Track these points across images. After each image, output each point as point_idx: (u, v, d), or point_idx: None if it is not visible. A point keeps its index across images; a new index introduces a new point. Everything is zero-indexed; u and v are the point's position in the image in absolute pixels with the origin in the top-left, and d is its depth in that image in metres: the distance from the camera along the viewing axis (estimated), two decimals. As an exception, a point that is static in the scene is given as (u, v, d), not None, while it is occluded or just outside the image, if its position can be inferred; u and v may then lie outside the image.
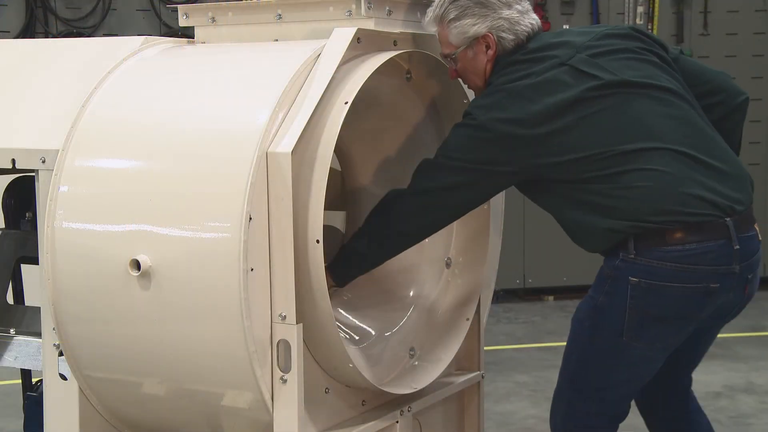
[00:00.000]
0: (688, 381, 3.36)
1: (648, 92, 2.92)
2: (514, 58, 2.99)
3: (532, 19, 3.04)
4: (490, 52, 3.01)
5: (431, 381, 3.22)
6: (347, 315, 3.29)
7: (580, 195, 2.90)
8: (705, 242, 2.82)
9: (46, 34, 7.72)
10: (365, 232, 3.10)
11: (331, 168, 2.76)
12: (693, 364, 3.29)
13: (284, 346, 2.74)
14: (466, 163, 2.90)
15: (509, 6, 3.01)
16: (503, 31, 2.99)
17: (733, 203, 2.86)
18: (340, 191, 3.48)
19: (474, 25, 3.00)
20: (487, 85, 3.04)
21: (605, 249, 2.94)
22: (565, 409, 3.09)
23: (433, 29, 3.09)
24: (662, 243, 2.80)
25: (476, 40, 3.01)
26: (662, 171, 2.83)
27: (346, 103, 2.79)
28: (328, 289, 2.80)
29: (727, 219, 2.83)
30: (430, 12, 3.06)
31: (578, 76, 2.88)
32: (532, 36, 3.02)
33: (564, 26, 7.72)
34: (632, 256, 2.83)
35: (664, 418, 3.36)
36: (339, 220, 3.51)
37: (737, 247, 2.84)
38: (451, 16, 3.01)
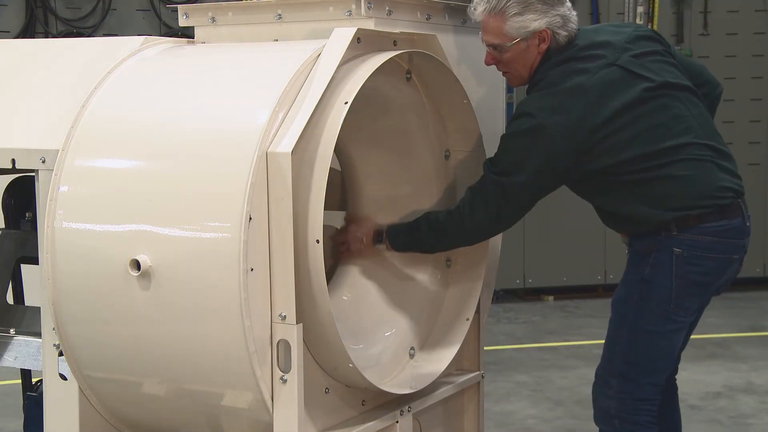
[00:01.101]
0: (677, 362, 3.55)
1: (681, 93, 3.19)
2: (565, 55, 3.14)
3: (575, 17, 3.21)
4: (543, 46, 3.15)
5: (431, 381, 3.22)
6: (347, 315, 3.29)
7: (629, 187, 3.13)
8: (731, 220, 3.18)
9: (46, 34, 7.72)
10: (433, 226, 3.19)
11: (330, 168, 2.77)
12: (684, 343, 3.46)
13: (284, 346, 2.74)
14: (535, 165, 3.05)
15: (563, 3, 3.16)
16: (558, 27, 3.14)
17: (740, 186, 3.24)
18: (340, 191, 3.48)
19: (536, 20, 3.11)
20: (533, 77, 3.17)
21: (644, 231, 3.15)
22: (619, 386, 3.23)
23: (480, 18, 3.16)
24: (700, 222, 3.13)
25: (533, 33, 3.11)
26: (698, 162, 3.13)
27: (346, 103, 2.79)
28: (384, 250, 3.07)
29: (740, 200, 3.22)
30: (483, 2, 3.13)
31: (630, 76, 3.11)
32: (576, 32, 3.19)
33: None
34: (675, 233, 3.12)
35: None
36: (339, 220, 3.51)
37: (748, 224, 3.24)
38: (515, 10, 3.10)
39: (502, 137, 3.15)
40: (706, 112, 3.26)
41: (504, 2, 3.10)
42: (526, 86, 3.26)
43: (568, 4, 3.19)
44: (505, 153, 3.10)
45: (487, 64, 3.25)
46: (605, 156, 3.08)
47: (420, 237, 3.22)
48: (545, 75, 3.13)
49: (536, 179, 3.08)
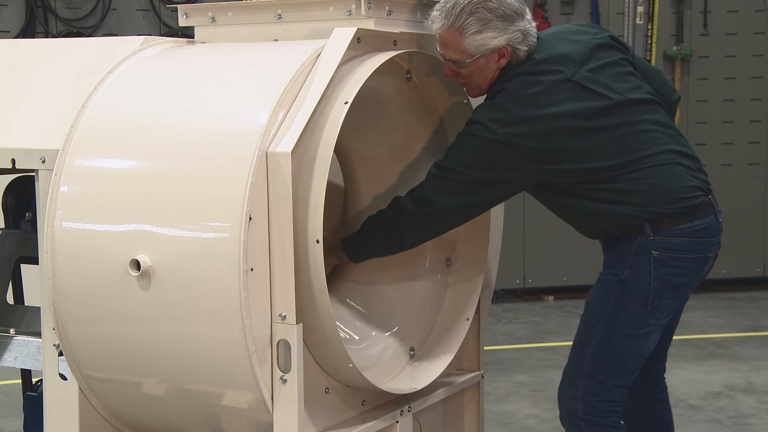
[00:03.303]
0: (665, 361, 3.57)
1: (644, 106, 3.17)
2: (522, 69, 3.09)
3: (535, 28, 3.14)
4: (503, 61, 3.10)
5: (431, 381, 3.22)
6: (347, 315, 3.29)
7: (593, 192, 3.12)
8: (704, 219, 3.16)
9: (46, 34, 7.71)
10: (371, 235, 3.21)
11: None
12: (668, 343, 3.51)
13: (284, 346, 2.74)
14: (481, 175, 3.03)
15: (522, 17, 3.09)
16: (518, 43, 3.08)
17: (708, 183, 3.22)
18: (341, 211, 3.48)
19: (495, 38, 3.06)
20: (491, 89, 3.12)
21: (617, 233, 3.17)
22: (586, 386, 3.22)
23: (438, 32, 3.10)
24: (674, 224, 3.12)
25: (492, 50, 3.07)
26: (663, 166, 3.12)
27: (346, 103, 2.79)
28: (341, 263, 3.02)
29: (710, 197, 3.20)
30: (441, 18, 3.06)
31: (586, 93, 3.06)
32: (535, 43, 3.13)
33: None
34: (651, 236, 3.11)
35: (639, 398, 3.49)
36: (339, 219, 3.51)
37: (720, 220, 3.22)
38: (474, 28, 3.04)
39: (454, 142, 3.10)
40: (668, 118, 3.23)
41: (462, 20, 3.03)
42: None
43: (528, 16, 3.12)
44: (453, 158, 3.05)
45: (446, 75, 3.19)
46: (564, 167, 3.04)
47: (368, 250, 3.23)
48: (502, 88, 3.07)
49: (483, 188, 3.05)
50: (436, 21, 3.08)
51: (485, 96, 3.17)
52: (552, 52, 3.11)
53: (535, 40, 3.12)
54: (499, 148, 2.98)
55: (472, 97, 3.26)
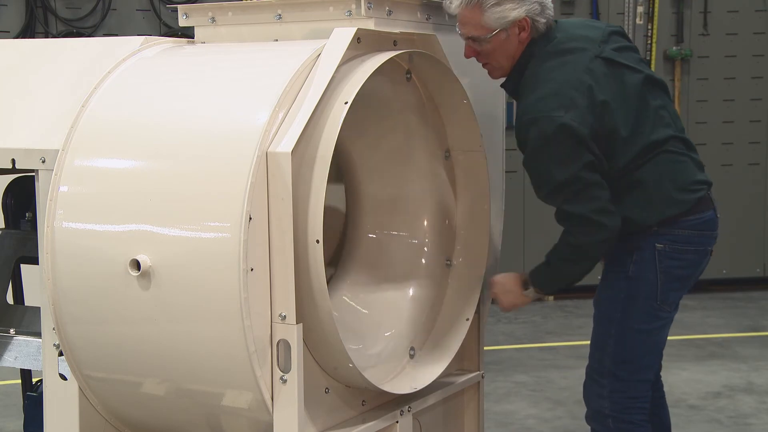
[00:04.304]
0: (660, 359, 3.58)
1: (657, 86, 3.24)
2: (549, 49, 3.14)
3: (551, 1, 3.21)
4: (523, 34, 3.14)
5: (431, 381, 3.22)
6: (347, 315, 3.29)
7: (617, 191, 3.12)
8: (705, 212, 3.22)
9: (46, 34, 7.71)
10: (560, 272, 3.26)
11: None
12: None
13: (284, 346, 2.74)
14: (578, 164, 3.03)
15: None
16: (537, 15, 3.14)
17: (709, 177, 3.28)
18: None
19: (514, 9, 3.10)
20: (519, 74, 3.16)
21: (625, 232, 3.17)
22: (610, 384, 3.24)
23: (457, 11, 3.13)
24: (679, 216, 3.16)
25: (512, 23, 3.10)
26: (677, 155, 3.18)
27: (346, 103, 2.79)
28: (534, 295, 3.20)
29: (709, 191, 3.26)
30: None
31: (615, 67, 3.13)
32: (553, 22, 3.21)
33: (564, 26, 7.72)
34: (655, 228, 3.15)
35: None
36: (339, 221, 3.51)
37: (718, 215, 3.29)
38: (493, 1, 3.08)
39: (529, 157, 3.11)
40: (673, 107, 3.31)
41: None
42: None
43: None
44: (542, 168, 3.08)
45: (467, 56, 3.22)
46: (607, 148, 3.09)
47: (553, 270, 3.25)
48: (535, 72, 3.11)
49: (586, 172, 3.05)
50: (454, 1, 3.12)
51: (506, 82, 3.24)
52: (573, 33, 3.19)
53: (552, 14, 3.18)
54: (571, 132, 2.99)
55: (494, 78, 3.29)
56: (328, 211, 2.90)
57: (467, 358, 3.53)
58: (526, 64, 3.15)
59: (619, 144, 3.08)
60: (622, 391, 3.23)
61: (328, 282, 2.81)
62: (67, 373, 3.03)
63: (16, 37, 7.53)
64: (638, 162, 3.12)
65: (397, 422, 3.12)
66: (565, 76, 3.06)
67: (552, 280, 3.29)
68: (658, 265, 3.16)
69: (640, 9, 7.86)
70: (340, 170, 3.44)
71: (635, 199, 3.14)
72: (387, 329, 3.32)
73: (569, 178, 3.03)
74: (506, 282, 3.38)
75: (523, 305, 3.43)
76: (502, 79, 3.31)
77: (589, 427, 3.36)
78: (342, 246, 3.48)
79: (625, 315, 3.20)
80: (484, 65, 3.24)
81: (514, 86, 3.23)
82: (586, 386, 3.32)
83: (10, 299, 3.41)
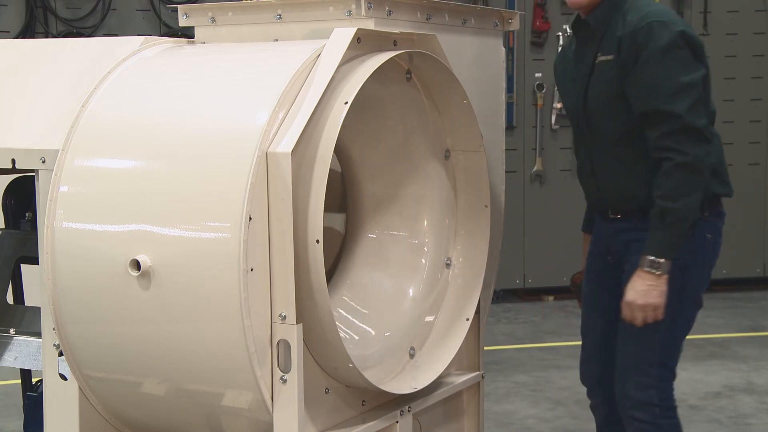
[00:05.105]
0: None
1: None
2: None
3: None
4: None
5: (431, 381, 3.22)
6: (347, 315, 3.29)
7: None
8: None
9: (46, 34, 7.72)
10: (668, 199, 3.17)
11: (331, 169, 2.77)
12: None
13: (284, 346, 2.74)
14: (696, 71, 3.21)
15: None
16: None
17: None
18: (340, 192, 3.48)
19: None
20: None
21: None
22: (659, 374, 3.31)
23: None
24: (718, 205, 3.29)
25: None
26: (718, 139, 3.29)
27: (346, 103, 2.79)
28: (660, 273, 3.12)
29: None
30: None
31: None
32: None
33: (564, 26, 7.73)
34: (706, 214, 3.23)
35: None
36: (339, 221, 3.51)
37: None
38: None
39: (649, 60, 3.17)
40: None
41: None
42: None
43: None
44: (665, 70, 3.16)
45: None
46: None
47: (669, 219, 3.16)
48: (634, 4, 3.24)
49: (701, 85, 3.20)
50: None
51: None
52: None
53: None
54: (692, 40, 3.20)
55: (579, 5, 3.36)
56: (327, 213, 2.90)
57: (467, 358, 3.53)
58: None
59: (704, 96, 3.19)
60: (669, 379, 3.31)
61: (328, 282, 2.81)
62: (67, 373, 3.03)
63: (16, 37, 7.54)
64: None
65: (397, 422, 3.12)
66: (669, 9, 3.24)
67: (675, 232, 3.17)
68: (704, 256, 3.26)
69: (640, 9, 7.86)
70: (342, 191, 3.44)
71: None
72: (387, 329, 3.32)
73: (693, 82, 3.15)
74: (634, 286, 3.21)
75: (664, 293, 3.23)
76: (502, 80, 3.33)
77: (589, 428, 3.37)
78: (342, 246, 3.48)
79: (680, 304, 3.24)
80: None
81: (605, 14, 3.31)
82: (625, 379, 3.33)
83: (10, 299, 3.41)
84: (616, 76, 3.25)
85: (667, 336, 3.27)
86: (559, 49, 7.77)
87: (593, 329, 3.58)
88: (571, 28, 3.51)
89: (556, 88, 7.94)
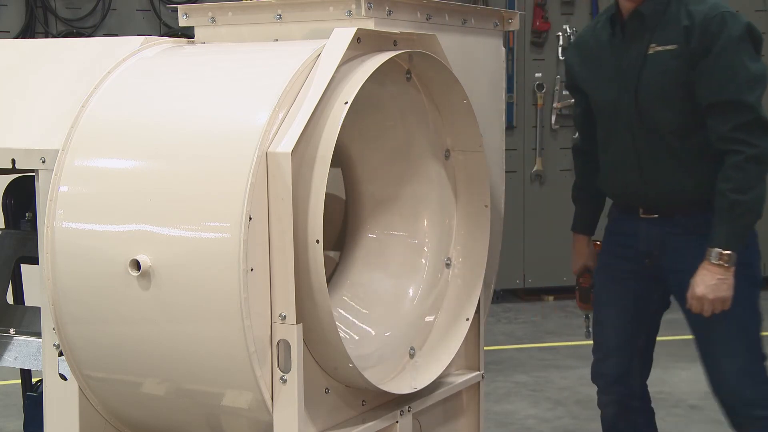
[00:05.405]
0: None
1: None
2: None
3: None
4: None
5: (431, 381, 3.22)
6: (347, 315, 3.29)
7: None
8: None
9: (46, 34, 7.72)
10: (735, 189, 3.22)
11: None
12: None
13: (284, 346, 2.74)
14: (764, 68, 3.28)
15: None
16: None
17: None
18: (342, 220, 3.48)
19: None
20: None
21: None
22: (765, 367, 3.37)
23: None
24: None
25: None
26: None
27: (346, 103, 2.79)
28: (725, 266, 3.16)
29: None
30: None
31: None
32: None
33: (564, 26, 7.73)
34: None
35: (627, 392, 3.62)
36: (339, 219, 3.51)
37: None
38: None
39: (722, 51, 3.25)
40: None
41: None
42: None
43: None
44: (737, 61, 3.24)
45: None
46: None
47: (738, 211, 3.20)
48: None
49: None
50: None
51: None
52: None
53: None
54: (756, 33, 3.33)
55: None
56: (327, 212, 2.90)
57: (467, 358, 3.53)
58: None
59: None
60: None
61: (328, 282, 2.81)
62: (67, 373, 3.03)
63: (16, 37, 7.54)
64: None
65: (397, 422, 3.12)
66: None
67: (742, 224, 3.22)
68: (756, 248, 3.34)
69: (640, 9, 7.85)
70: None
71: None
72: (387, 329, 3.32)
73: (762, 74, 3.20)
74: (704, 280, 3.24)
75: (732, 285, 3.27)
76: (502, 80, 3.33)
77: (589, 428, 3.37)
78: (342, 246, 3.48)
79: (755, 297, 3.33)
80: None
81: (661, 4, 3.35)
82: (735, 382, 3.35)
83: (10, 299, 3.41)
84: (679, 66, 3.27)
85: (757, 330, 3.35)
86: (560, 49, 7.78)
87: (615, 328, 3.58)
88: (610, 20, 3.51)
89: (556, 88, 7.95)
